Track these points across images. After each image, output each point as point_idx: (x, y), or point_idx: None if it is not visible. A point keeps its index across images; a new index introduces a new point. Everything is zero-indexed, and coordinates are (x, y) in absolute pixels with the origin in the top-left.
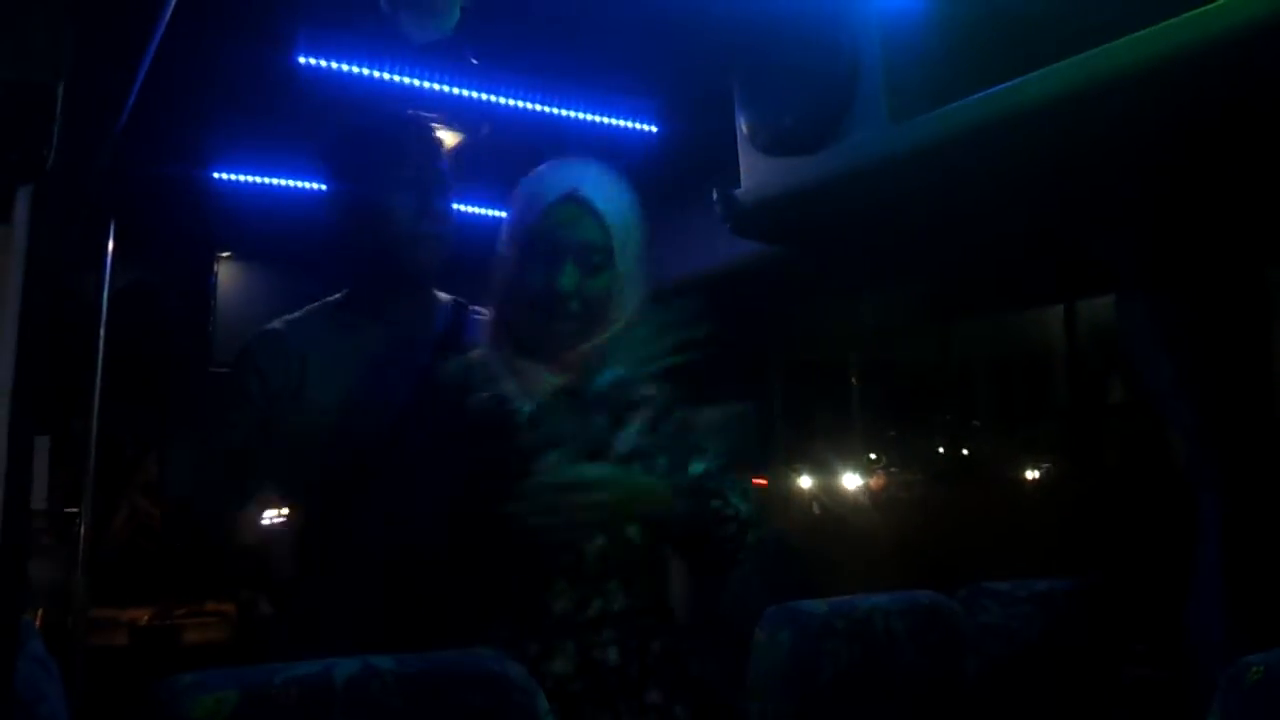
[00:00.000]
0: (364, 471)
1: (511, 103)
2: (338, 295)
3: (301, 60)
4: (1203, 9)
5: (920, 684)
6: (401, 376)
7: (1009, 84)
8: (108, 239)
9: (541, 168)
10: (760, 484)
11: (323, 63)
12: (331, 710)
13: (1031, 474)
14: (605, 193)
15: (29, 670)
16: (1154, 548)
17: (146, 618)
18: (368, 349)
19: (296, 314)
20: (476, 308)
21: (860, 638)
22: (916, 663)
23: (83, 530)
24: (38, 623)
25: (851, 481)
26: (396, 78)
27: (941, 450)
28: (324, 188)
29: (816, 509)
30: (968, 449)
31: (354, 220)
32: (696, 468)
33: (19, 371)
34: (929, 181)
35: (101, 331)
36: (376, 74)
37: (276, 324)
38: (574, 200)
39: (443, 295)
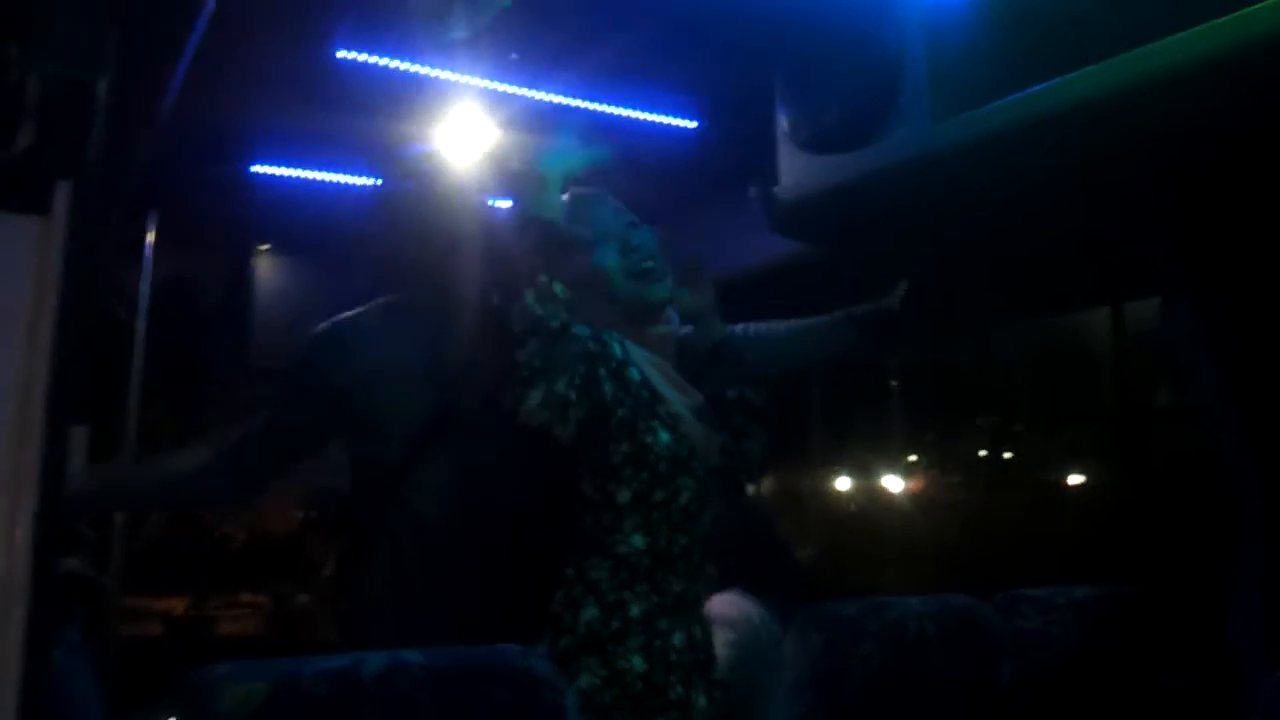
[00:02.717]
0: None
1: (551, 98)
2: (392, 296)
3: (340, 55)
4: (1250, 8)
5: (953, 689)
6: (462, 373)
7: (1053, 82)
8: (148, 232)
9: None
10: None
11: (361, 57)
12: (360, 704)
13: (1075, 479)
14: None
15: (63, 656)
16: (1197, 556)
17: (181, 608)
18: (427, 349)
19: (353, 313)
20: None
21: (892, 641)
22: (949, 667)
23: (118, 523)
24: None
25: (890, 483)
26: (435, 72)
27: (983, 453)
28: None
29: (853, 507)
30: (1010, 452)
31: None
32: None
33: (56, 362)
34: (971, 180)
35: (141, 324)
36: (415, 68)
37: (336, 322)
38: (579, 187)
39: None
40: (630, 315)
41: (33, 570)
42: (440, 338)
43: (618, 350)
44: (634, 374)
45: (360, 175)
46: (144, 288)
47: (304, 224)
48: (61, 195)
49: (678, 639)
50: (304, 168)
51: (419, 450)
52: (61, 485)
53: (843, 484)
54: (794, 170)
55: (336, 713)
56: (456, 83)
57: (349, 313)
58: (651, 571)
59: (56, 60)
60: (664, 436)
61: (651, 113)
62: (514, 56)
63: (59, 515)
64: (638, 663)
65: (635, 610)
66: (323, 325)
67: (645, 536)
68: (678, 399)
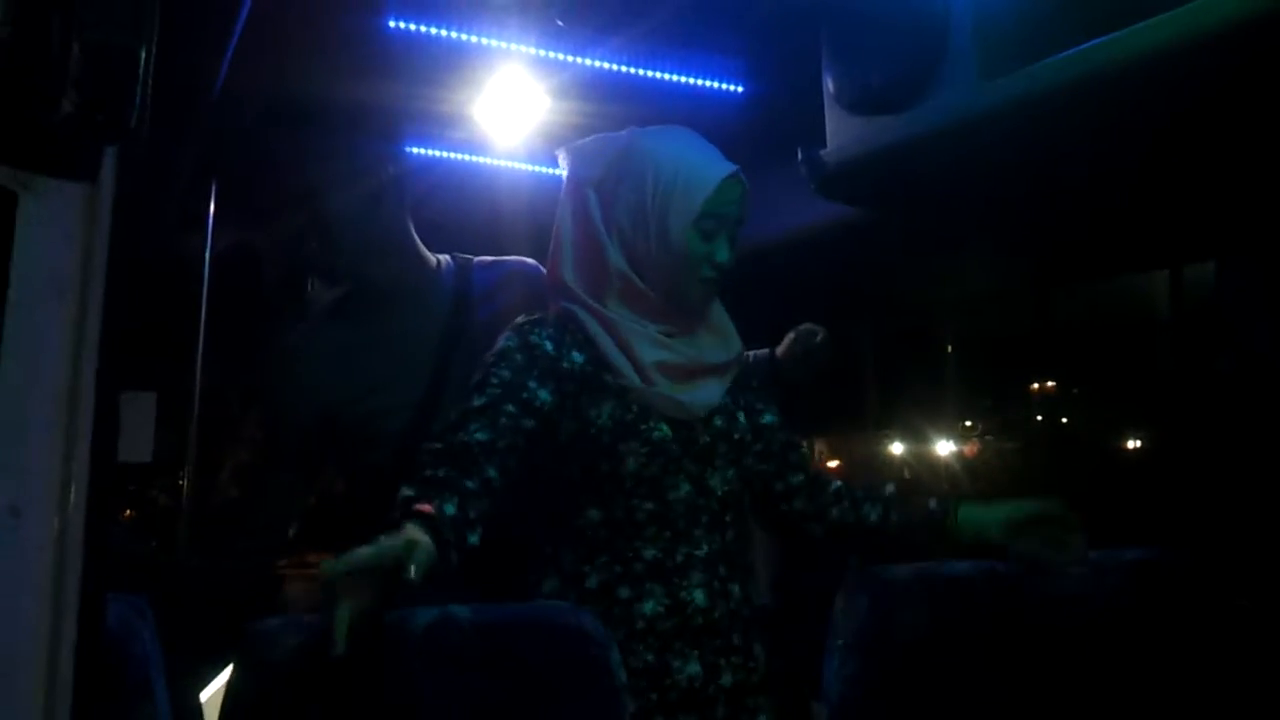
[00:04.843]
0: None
1: (597, 64)
2: (340, 290)
3: (391, 24)
4: None
5: (1002, 653)
6: (422, 344)
7: (1104, 39)
8: (209, 200)
9: (682, 142)
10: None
11: (412, 26)
12: (410, 657)
13: (1133, 443)
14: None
15: (123, 612)
16: (1255, 520)
17: None
18: (377, 331)
19: (306, 321)
20: (482, 258)
21: (940, 605)
22: (998, 632)
23: (186, 484)
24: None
25: (945, 448)
26: (484, 40)
27: (1040, 418)
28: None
29: (907, 474)
30: (1067, 417)
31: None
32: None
33: (106, 327)
34: (1021, 140)
35: (205, 292)
36: (465, 36)
37: (287, 338)
38: (737, 180)
39: (442, 257)
40: (702, 308)
41: (86, 531)
42: (396, 317)
43: (550, 348)
44: (575, 358)
45: (414, 145)
46: (207, 255)
47: None
48: (108, 162)
49: (648, 607)
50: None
51: (412, 447)
52: (115, 450)
53: (895, 448)
54: (840, 133)
55: (385, 665)
56: (506, 50)
57: (304, 323)
58: (611, 541)
59: (99, 28)
60: (606, 408)
61: (697, 78)
62: (559, 24)
63: (112, 479)
64: None
65: (593, 581)
66: (279, 344)
67: (599, 509)
68: (635, 362)
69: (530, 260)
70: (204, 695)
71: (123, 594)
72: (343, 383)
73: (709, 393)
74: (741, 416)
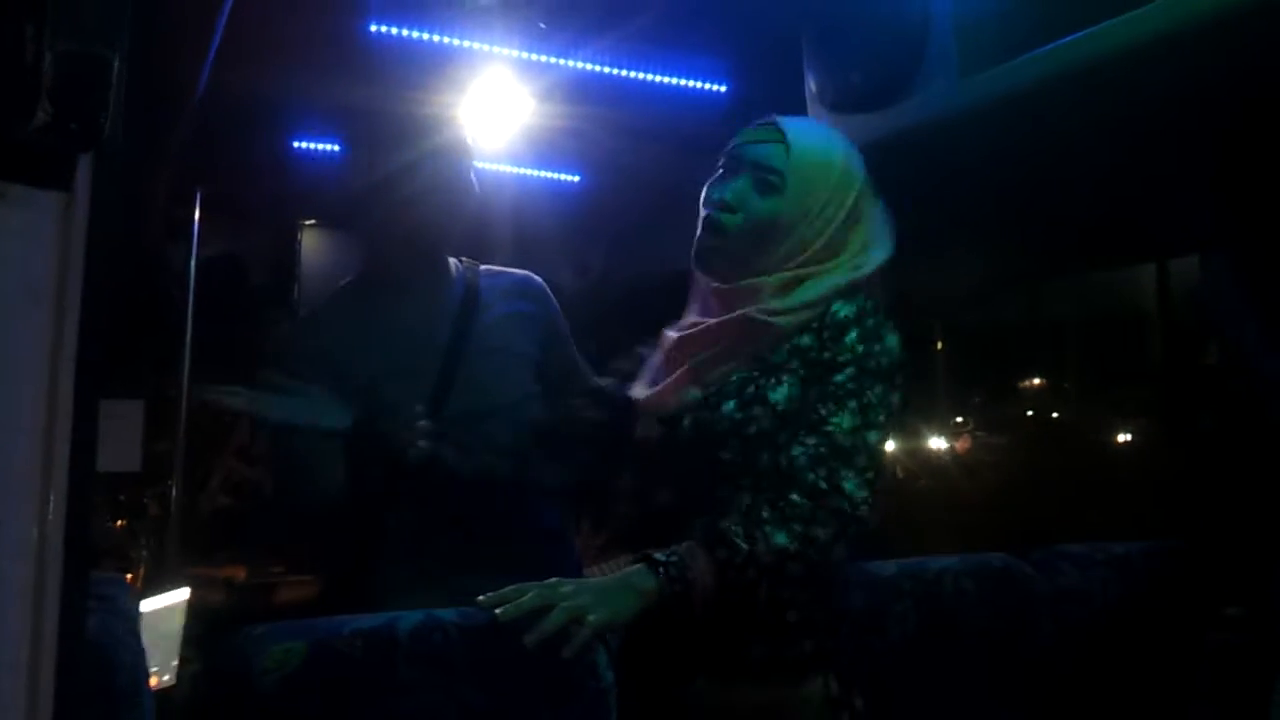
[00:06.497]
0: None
1: (581, 65)
2: (352, 277)
3: (373, 28)
4: None
5: (991, 646)
6: (427, 342)
7: (1083, 34)
8: (194, 209)
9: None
10: None
11: (394, 30)
12: (396, 661)
13: (1123, 437)
14: (807, 133)
15: (111, 621)
16: (1244, 512)
17: (243, 575)
18: (390, 323)
19: (316, 306)
20: (487, 266)
21: (929, 599)
22: (987, 625)
23: (174, 493)
24: (139, 580)
25: (936, 445)
26: (467, 43)
27: (1030, 414)
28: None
29: (899, 472)
30: (1057, 412)
31: (371, 198)
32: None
33: (83, 334)
34: (1003, 137)
35: (190, 300)
36: (447, 40)
37: (300, 316)
38: (769, 124)
39: (450, 259)
40: (714, 261)
41: (66, 541)
42: (406, 313)
43: None
44: None
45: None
46: (192, 264)
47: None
48: (83, 170)
49: None
50: (344, 142)
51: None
52: (94, 458)
53: (887, 446)
54: None
55: (373, 670)
56: (489, 53)
57: (315, 306)
58: None
59: (72, 36)
60: None
61: (680, 78)
62: (542, 26)
63: (93, 488)
64: None
65: None
66: (289, 325)
67: None
68: None
69: (536, 277)
70: (144, 606)
71: (106, 602)
72: (349, 372)
73: None
74: None
